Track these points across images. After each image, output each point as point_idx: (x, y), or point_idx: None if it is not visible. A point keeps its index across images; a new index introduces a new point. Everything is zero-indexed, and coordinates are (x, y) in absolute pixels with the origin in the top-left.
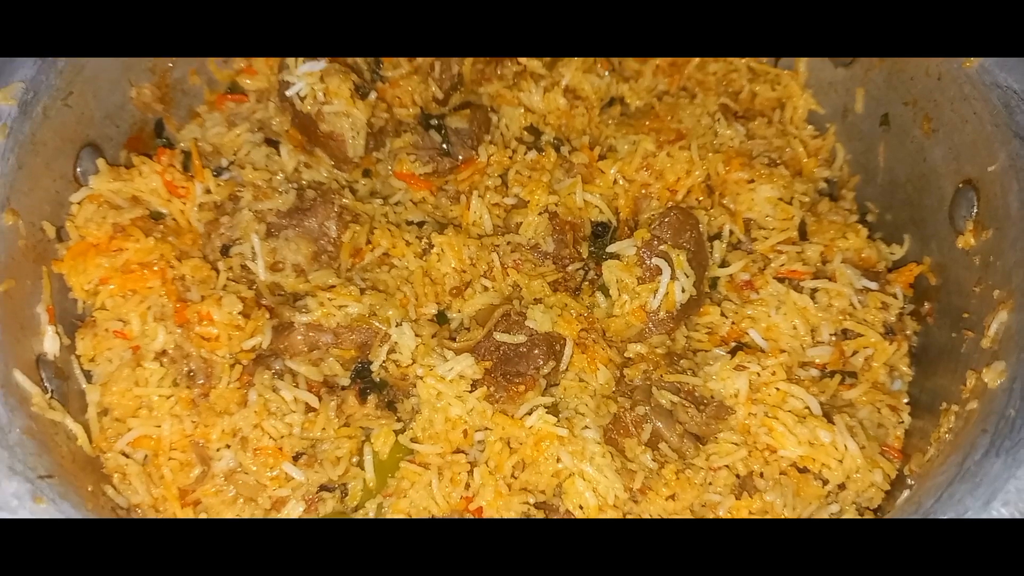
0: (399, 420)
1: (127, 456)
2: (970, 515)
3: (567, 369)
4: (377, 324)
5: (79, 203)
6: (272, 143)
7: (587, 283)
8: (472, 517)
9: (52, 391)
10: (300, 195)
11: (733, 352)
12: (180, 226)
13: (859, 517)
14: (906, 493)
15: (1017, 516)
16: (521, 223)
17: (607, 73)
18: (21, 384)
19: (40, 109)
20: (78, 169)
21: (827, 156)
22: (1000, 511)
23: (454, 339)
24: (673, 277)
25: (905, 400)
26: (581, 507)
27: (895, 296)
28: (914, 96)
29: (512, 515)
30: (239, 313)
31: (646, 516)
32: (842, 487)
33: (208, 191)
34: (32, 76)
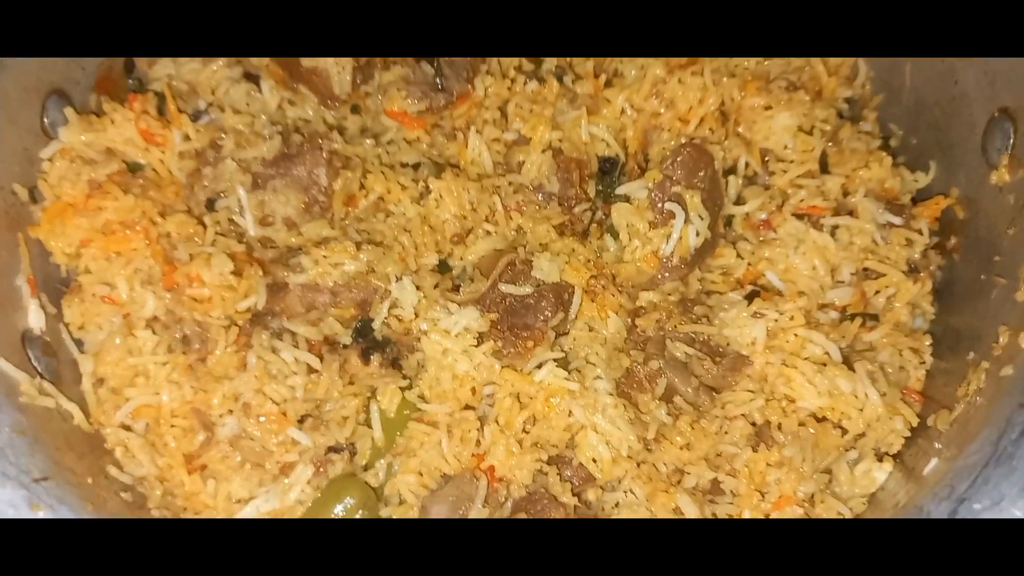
0: (405, 377)
1: (128, 428)
2: (1006, 504)
3: (576, 318)
4: (376, 281)
5: (50, 159)
6: (252, 78)
7: (595, 224)
8: (484, 481)
9: (41, 371)
10: (286, 140)
11: (749, 296)
12: (160, 177)
13: (878, 462)
14: (935, 463)
15: None
16: (523, 162)
17: None
18: (7, 372)
19: None
20: (45, 120)
21: (848, 73)
22: None
23: (457, 289)
24: (687, 221)
25: (928, 342)
26: (595, 460)
27: (920, 232)
28: None
29: (525, 472)
30: (231, 272)
31: (660, 465)
32: (862, 435)
33: (187, 138)
34: None
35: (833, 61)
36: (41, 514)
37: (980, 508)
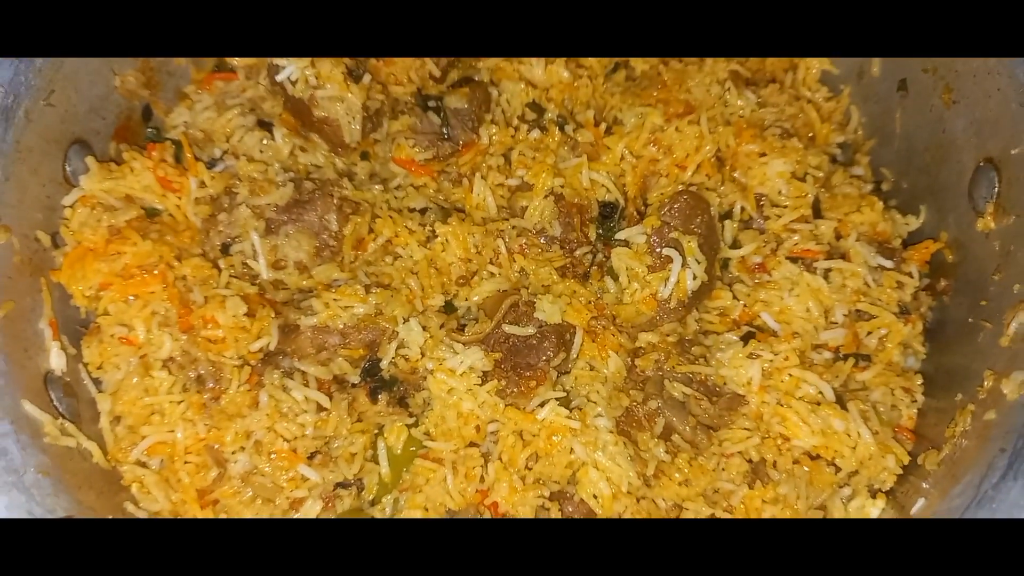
0: (411, 415)
1: (143, 465)
2: None
3: (577, 357)
4: (384, 323)
5: (71, 206)
6: (265, 125)
7: (595, 267)
8: (488, 517)
9: (62, 412)
10: (298, 187)
11: (745, 337)
12: (177, 222)
13: (871, 499)
14: (921, 502)
15: None
16: (526, 207)
17: None
18: (32, 415)
19: (22, 113)
20: (67, 168)
21: (841, 119)
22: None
23: (463, 329)
24: (684, 265)
25: (919, 382)
26: (596, 496)
27: (911, 275)
28: (934, 64)
29: (527, 508)
30: (244, 315)
31: (659, 501)
32: (855, 472)
33: (203, 184)
34: (10, 79)
35: (826, 107)
36: None
37: None
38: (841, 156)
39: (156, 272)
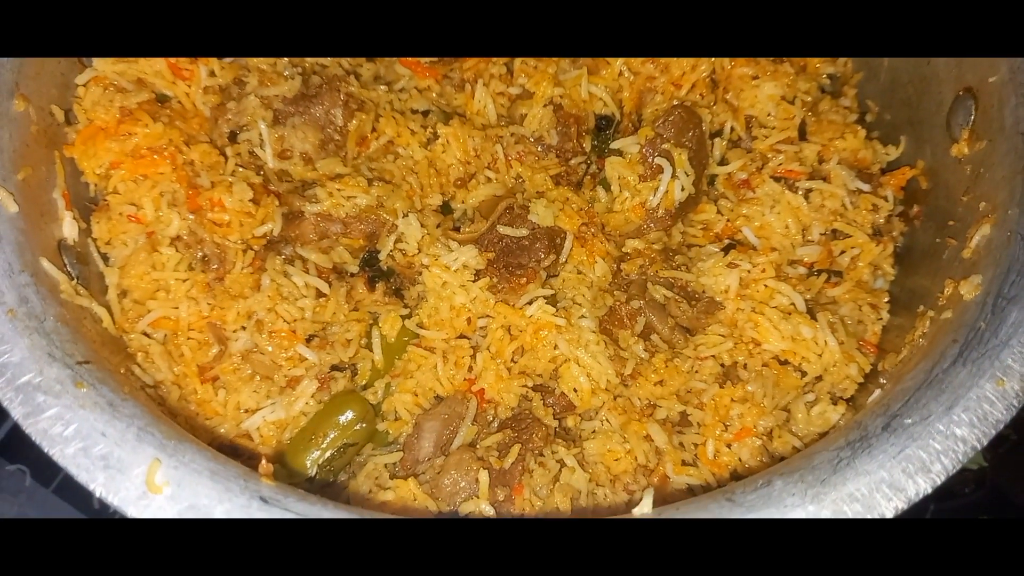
0: (406, 306)
1: (148, 336)
2: (932, 419)
3: (566, 261)
4: (384, 215)
5: (84, 85)
6: None
7: (589, 177)
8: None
9: (75, 276)
10: (305, 81)
11: (726, 249)
12: (186, 110)
13: (832, 405)
14: (877, 392)
15: (976, 422)
16: (525, 115)
17: None
18: (49, 272)
19: None
20: None
21: None
22: (960, 416)
23: (458, 229)
24: (673, 176)
25: (886, 299)
26: (575, 390)
27: (886, 199)
28: None
29: (512, 396)
30: (249, 200)
31: (635, 399)
32: (819, 379)
33: (213, 74)
34: None
35: None
36: (84, 391)
37: (910, 423)
38: (830, 87)
39: (166, 154)
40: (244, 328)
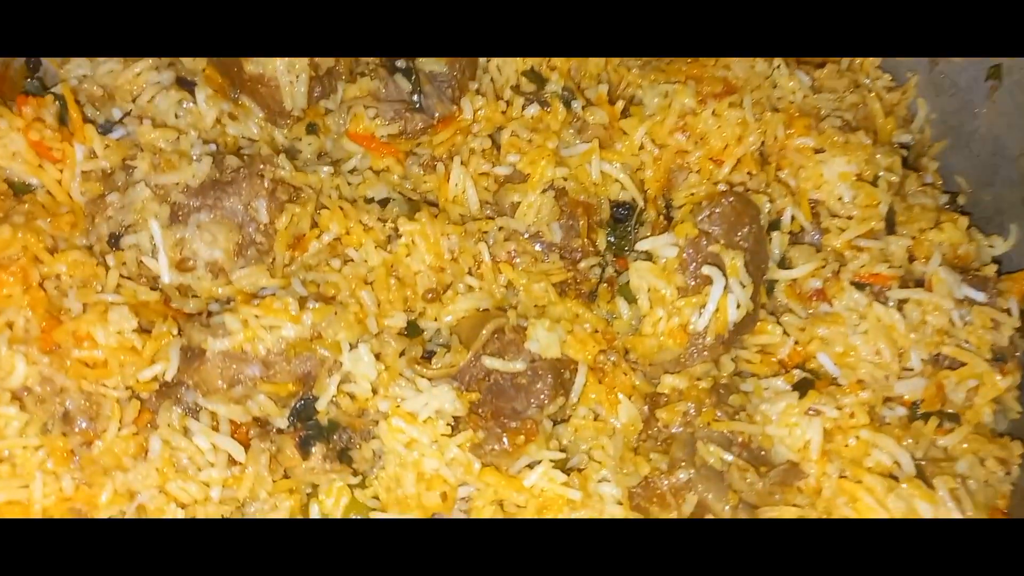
0: (356, 473)
1: None
2: None
3: (579, 402)
4: (323, 350)
5: None
6: (186, 84)
7: (604, 285)
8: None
9: None
10: (218, 163)
11: (800, 387)
12: (56, 203)
13: None
14: None
15: None
16: (518, 203)
17: None
18: None
19: None
20: None
21: (905, 114)
22: None
23: (429, 359)
24: (726, 289)
25: (1018, 452)
26: None
27: (1008, 311)
28: None
29: None
30: (134, 330)
31: None
32: None
33: (92, 154)
34: None
35: (888, 99)
36: None
37: None
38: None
39: (14, 269)
40: (123, 515)
